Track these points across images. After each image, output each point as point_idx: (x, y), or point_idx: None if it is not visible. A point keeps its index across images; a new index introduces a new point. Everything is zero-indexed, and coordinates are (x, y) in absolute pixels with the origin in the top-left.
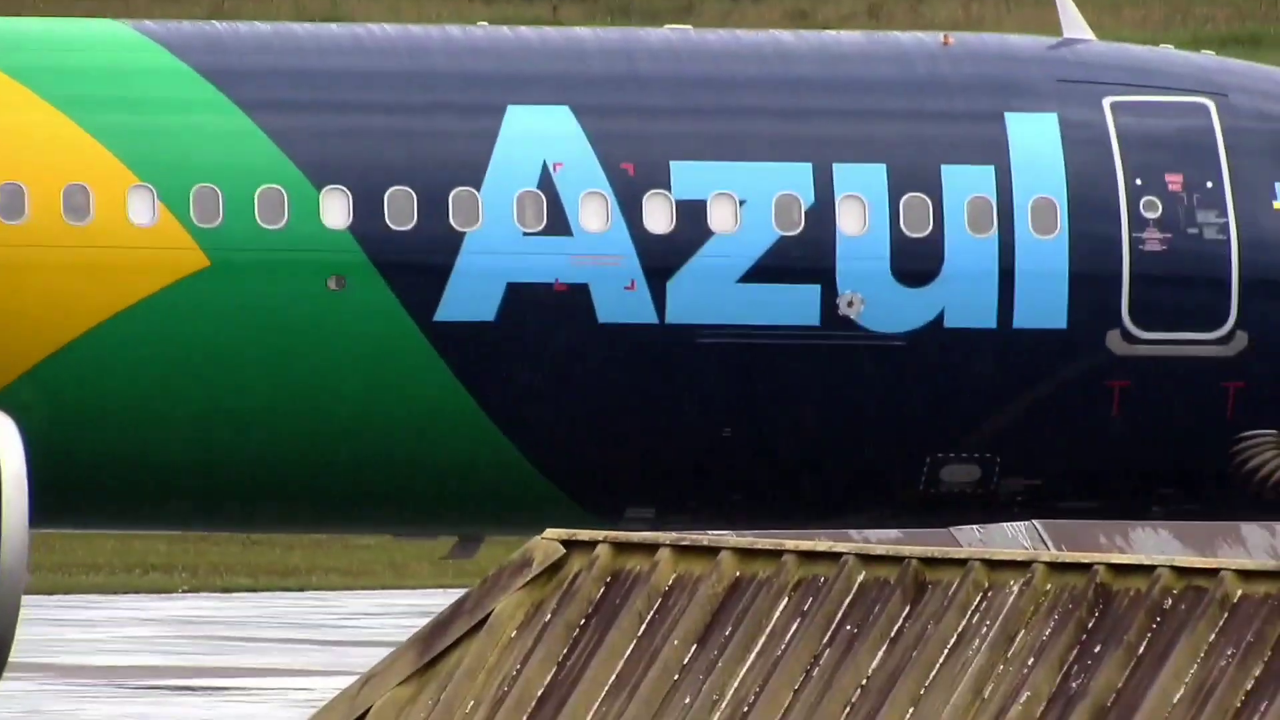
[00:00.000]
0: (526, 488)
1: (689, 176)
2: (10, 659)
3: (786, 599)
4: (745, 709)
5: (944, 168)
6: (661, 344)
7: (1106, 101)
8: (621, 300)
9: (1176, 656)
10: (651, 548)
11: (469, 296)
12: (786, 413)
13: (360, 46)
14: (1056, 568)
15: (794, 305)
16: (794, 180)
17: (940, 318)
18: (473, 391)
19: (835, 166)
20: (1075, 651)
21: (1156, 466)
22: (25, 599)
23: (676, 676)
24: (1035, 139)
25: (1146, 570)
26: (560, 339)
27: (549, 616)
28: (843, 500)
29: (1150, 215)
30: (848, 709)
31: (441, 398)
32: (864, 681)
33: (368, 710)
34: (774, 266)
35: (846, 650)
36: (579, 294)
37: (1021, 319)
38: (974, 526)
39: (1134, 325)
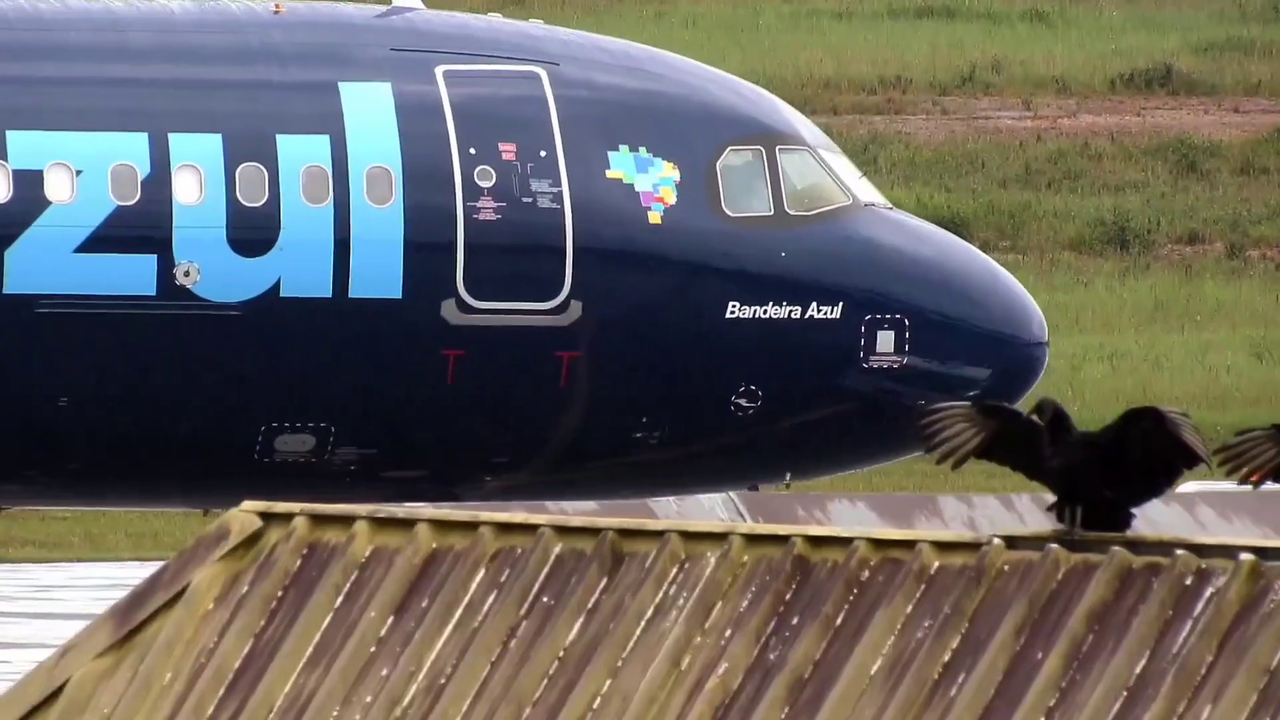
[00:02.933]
0: None
1: (25, 146)
2: None
3: (483, 571)
4: (443, 680)
5: (279, 137)
6: None
7: (439, 70)
8: None
9: (874, 628)
10: (348, 520)
11: None
12: (123, 382)
13: None
14: (754, 539)
15: (131, 275)
16: (130, 150)
17: (277, 287)
18: None
19: (171, 136)
20: (773, 623)
21: (490, 435)
22: None
23: (374, 648)
24: (369, 108)
25: (844, 542)
26: None
27: (246, 588)
28: (182, 469)
29: (484, 184)
30: (545, 680)
31: None
32: (561, 653)
33: (66, 682)
34: (111, 236)
35: (544, 622)
36: None
37: (357, 288)
38: (670, 498)
39: (469, 294)
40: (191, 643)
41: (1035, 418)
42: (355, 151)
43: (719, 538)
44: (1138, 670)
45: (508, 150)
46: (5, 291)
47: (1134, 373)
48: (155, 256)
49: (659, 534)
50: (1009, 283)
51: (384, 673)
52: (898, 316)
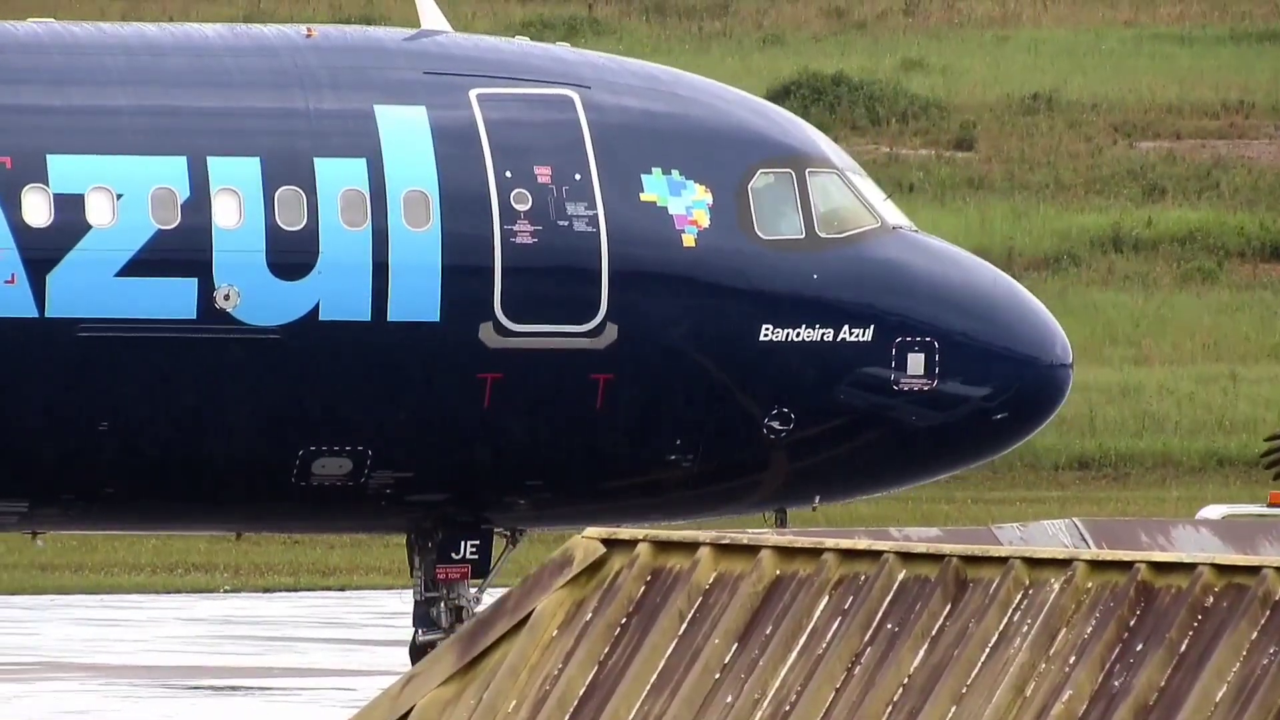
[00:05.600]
0: None
1: (66, 170)
2: (53, 659)
3: (827, 597)
4: (787, 707)
5: (317, 160)
6: (41, 337)
7: (473, 94)
8: (1, 294)
9: (1219, 655)
10: (692, 546)
11: None
12: (163, 405)
13: None
14: (1097, 566)
15: (171, 298)
16: (170, 173)
17: (315, 310)
18: None
19: (210, 160)
20: (1117, 650)
21: (526, 458)
22: (69, 599)
23: (718, 675)
24: (405, 132)
25: (1188, 568)
26: None
27: (590, 615)
28: (219, 492)
29: (520, 207)
30: (890, 708)
31: None
32: (905, 680)
33: (410, 710)
34: (152, 260)
35: (888, 648)
36: None
37: (395, 312)
38: (1014, 524)
39: (506, 318)
40: (535, 669)
41: None
42: (392, 175)
43: (1062, 564)
44: None
45: (543, 173)
46: (47, 315)
47: None
48: (195, 280)
49: (1002, 560)
50: (1033, 305)
51: (728, 700)
52: (927, 339)
